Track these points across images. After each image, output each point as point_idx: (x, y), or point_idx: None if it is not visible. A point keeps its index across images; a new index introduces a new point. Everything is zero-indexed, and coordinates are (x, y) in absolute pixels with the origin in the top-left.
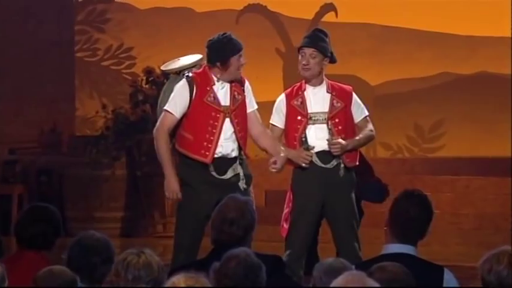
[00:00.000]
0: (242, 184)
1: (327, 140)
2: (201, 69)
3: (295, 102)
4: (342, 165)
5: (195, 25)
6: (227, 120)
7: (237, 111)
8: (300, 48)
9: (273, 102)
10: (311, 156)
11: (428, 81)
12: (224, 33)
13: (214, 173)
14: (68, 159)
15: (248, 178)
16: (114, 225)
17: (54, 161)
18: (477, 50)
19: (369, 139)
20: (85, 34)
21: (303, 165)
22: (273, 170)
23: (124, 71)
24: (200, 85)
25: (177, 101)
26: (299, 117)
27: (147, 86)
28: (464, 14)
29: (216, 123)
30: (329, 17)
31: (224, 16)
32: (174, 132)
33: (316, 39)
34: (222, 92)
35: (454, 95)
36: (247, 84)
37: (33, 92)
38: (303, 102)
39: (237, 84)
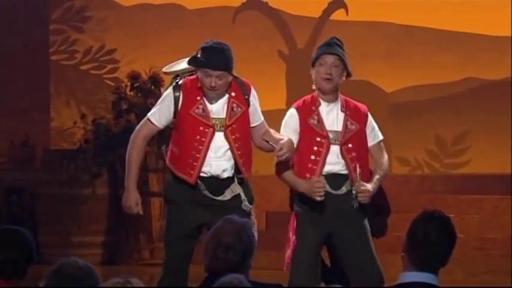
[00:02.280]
0: (246, 205)
1: (354, 187)
2: (195, 75)
3: (312, 121)
4: (354, 194)
5: (186, 24)
6: (219, 135)
7: (236, 125)
8: (317, 58)
9: (274, 112)
10: (324, 186)
11: (451, 87)
12: (218, 42)
13: (206, 193)
14: (42, 176)
15: (249, 198)
16: (95, 251)
17: (26, 179)
18: (506, 53)
19: (387, 174)
20: (61, 34)
21: (317, 199)
22: (282, 158)
23: (106, 76)
24: (188, 94)
25: (160, 110)
26: (318, 139)
27: (131, 93)
28: (492, 13)
29: (203, 139)
30: (338, 15)
31: (219, 14)
32: (167, 142)
33: (337, 46)
34: (217, 103)
35: (481, 104)
36: (253, 93)
37: (1, 100)
38: (320, 121)
39: (238, 93)
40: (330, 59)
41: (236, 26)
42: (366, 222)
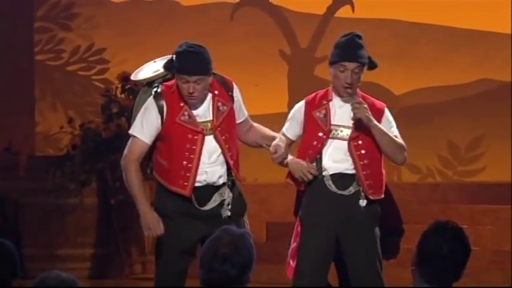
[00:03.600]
0: (225, 211)
1: (351, 102)
2: (173, 80)
3: (318, 114)
4: (363, 194)
5: (181, 21)
6: (209, 139)
7: (224, 125)
8: (337, 61)
9: (275, 116)
10: (314, 172)
11: (465, 89)
12: (192, 45)
13: (195, 204)
14: (26, 184)
15: (239, 204)
16: (83, 265)
17: (9, 187)
18: None
19: (398, 147)
20: (47, 32)
21: (305, 178)
22: (276, 161)
23: (95, 77)
24: (171, 102)
25: (144, 124)
26: (320, 134)
27: (122, 95)
28: (508, 10)
29: (194, 147)
30: (344, 12)
31: (216, 11)
32: (151, 155)
33: (357, 48)
34: (201, 105)
35: (497, 107)
36: (235, 88)
37: None
38: (327, 115)
39: (221, 91)
40: (351, 66)
41: (234, 24)
42: (376, 229)
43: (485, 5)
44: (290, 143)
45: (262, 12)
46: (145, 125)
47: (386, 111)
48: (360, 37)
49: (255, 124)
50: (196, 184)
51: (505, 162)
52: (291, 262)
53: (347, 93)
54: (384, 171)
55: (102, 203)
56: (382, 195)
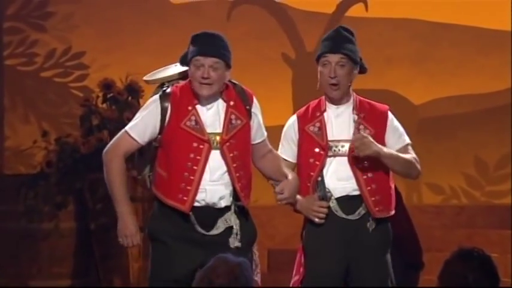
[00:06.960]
0: (234, 240)
1: (353, 134)
2: (186, 81)
3: (312, 128)
4: (370, 215)
5: (171, 21)
6: (215, 154)
7: (234, 141)
8: (320, 56)
9: (279, 127)
10: (326, 208)
11: (495, 98)
12: (210, 31)
13: (197, 227)
14: None
15: (248, 233)
16: None
17: None
18: None
19: (411, 166)
20: (18, 34)
21: (316, 220)
22: (281, 202)
23: (72, 84)
24: (178, 104)
25: (143, 123)
26: (317, 149)
27: (104, 105)
28: None
29: (198, 158)
30: (356, 11)
31: (211, 9)
32: (150, 165)
33: (343, 40)
34: (211, 113)
35: None
36: (255, 103)
37: None
38: (322, 128)
39: (238, 102)
40: (334, 58)
41: (231, 24)
42: (388, 255)
43: None
44: (293, 167)
45: (263, 11)
46: (142, 124)
47: (390, 114)
48: (347, 30)
49: (274, 152)
50: (195, 204)
51: None
52: None
53: (333, 93)
54: (392, 185)
55: (80, 227)
56: (392, 212)
